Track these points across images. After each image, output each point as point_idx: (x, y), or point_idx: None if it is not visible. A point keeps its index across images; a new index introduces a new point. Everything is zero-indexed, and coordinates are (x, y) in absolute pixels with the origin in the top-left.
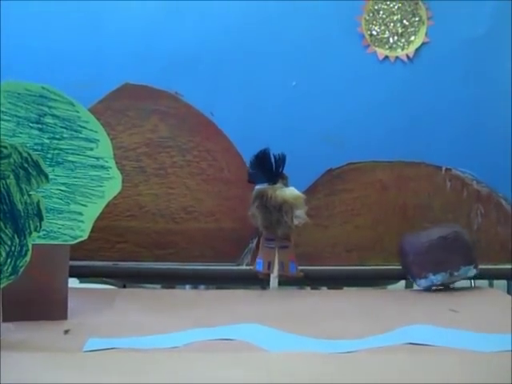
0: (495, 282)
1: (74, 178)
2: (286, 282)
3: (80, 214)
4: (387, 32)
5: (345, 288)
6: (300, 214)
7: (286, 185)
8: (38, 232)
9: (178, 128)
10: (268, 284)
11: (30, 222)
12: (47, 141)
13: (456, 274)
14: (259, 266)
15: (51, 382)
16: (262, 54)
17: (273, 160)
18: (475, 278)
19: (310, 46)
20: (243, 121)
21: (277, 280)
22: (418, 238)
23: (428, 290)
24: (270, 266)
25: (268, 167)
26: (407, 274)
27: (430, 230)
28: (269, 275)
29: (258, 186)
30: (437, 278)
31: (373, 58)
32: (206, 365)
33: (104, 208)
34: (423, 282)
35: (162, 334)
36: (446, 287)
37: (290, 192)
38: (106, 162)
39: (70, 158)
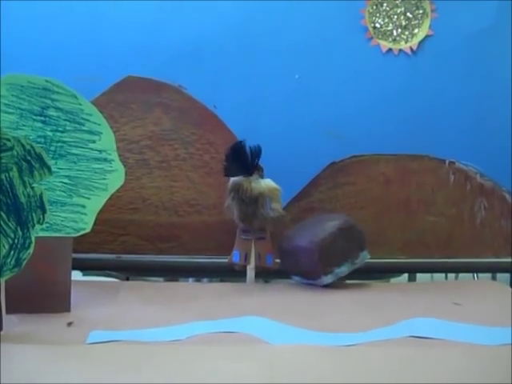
0: (498, 275)
1: (77, 170)
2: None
3: (83, 206)
4: (391, 25)
5: (347, 281)
6: (276, 206)
7: (262, 176)
8: (41, 224)
9: (180, 121)
10: (244, 275)
11: (33, 214)
12: (50, 133)
13: (356, 261)
14: (236, 258)
15: (54, 374)
16: (264, 47)
17: (248, 152)
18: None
19: (313, 39)
20: (246, 114)
21: (253, 271)
22: (316, 234)
23: (329, 285)
24: (246, 257)
25: (243, 159)
26: (304, 274)
27: (321, 225)
28: (245, 267)
29: (233, 179)
30: (341, 270)
31: (376, 51)
32: (208, 357)
33: (107, 201)
34: (328, 278)
35: (165, 327)
36: (341, 279)
37: (266, 184)
38: (109, 154)
39: (73, 151)
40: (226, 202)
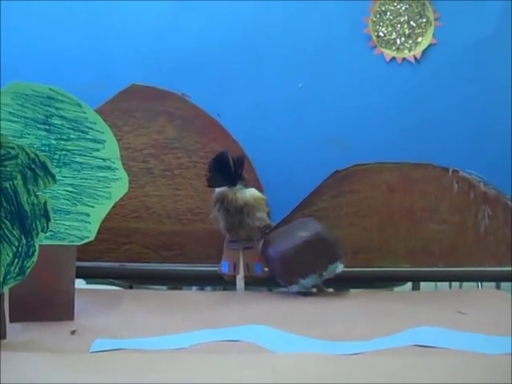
0: (502, 283)
1: (81, 178)
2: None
3: (87, 214)
4: (394, 33)
5: (351, 290)
6: (261, 215)
7: (246, 186)
8: (45, 233)
9: (184, 129)
10: (234, 285)
11: (37, 222)
12: (54, 142)
13: (325, 273)
14: (224, 268)
15: (58, 382)
16: (268, 56)
17: (231, 162)
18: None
19: (316, 48)
20: (250, 122)
21: (243, 281)
22: (283, 244)
23: (303, 294)
24: (235, 267)
25: (227, 170)
26: (277, 280)
27: (291, 234)
28: (235, 277)
29: (218, 189)
30: (307, 282)
31: (380, 60)
32: (211, 366)
33: (111, 209)
34: (294, 288)
35: (169, 335)
36: (319, 289)
37: (251, 194)
38: (113, 162)
39: (77, 159)
40: (211, 213)
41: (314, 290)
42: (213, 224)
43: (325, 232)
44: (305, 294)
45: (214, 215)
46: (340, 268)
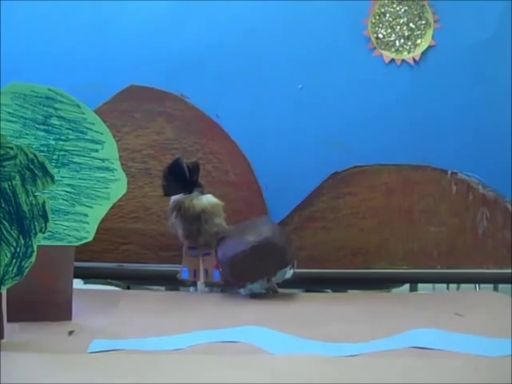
0: (500, 285)
1: (80, 179)
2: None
3: (85, 215)
4: (393, 35)
5: (349, 291)
6: (219, 221)
7: (203, 193)
8: (44, 233)
9: (183, 130)
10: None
11: (36, 223)
12: (53, 142)
13: (273, 278)
14: (185, 275)
15: (55, 382)
16: (267, 57)
17: (186, 169)
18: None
19: (315, 49)
20: (249, 123)
21: (203, 286)
22: (232, 247)
23: (253, 296)
24: (195, 273)
25: (182, 177)
26: (227, 281)
27: (241, 237)
28: (196, 282)
29: (174, 197)
30: (255, 286)
31: (379, 61)
32: (209, 367)
33: (109, 209)
34: (243, 291)
35: (166, 336)
36: (273, 290)
37: (208, 200)
38: (112, 163)
39: (75, 160)
40: (169, 221)
41: (263, 291)
42: (170, 231)
43: (275, 236)
44: (253, 296)
45: (172, 223)
46: (289, 274)
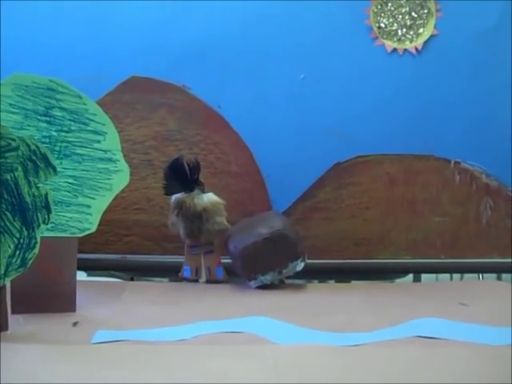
0: (503, 275)
1: (82, 170)
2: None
3: (88, 206)
4: (395, 24)
5: (353, 281)
6: (220, 219)
7: (204, 191)
8: (46, 224)
9: (185, 121)
10: None
11: (39, 214)
12: (55, 133)
13: (284, 271)
14: (187, 273)
15: (59, 373)
16: (269, 47)
17: (187, 168)
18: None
19: (317, 39)
20: (251, 114)
21: (205, 284)
22: (244, 240)
23: (261, 287)
24: (197, 272)
25: (183, 176)
26: (238, 274)
27: (253, 230)
28: (197, 281)
29: (175, 196)
30: (266, 278)
31: (381, 51)
32: (213, 357)
33: (112, 201)
34: (254, 283)
35: (170, 327)
36: (281, 282)
37: (209, 199)
38: (114, 154)
39: (77, 151)
40: (169, 220)
41: (275, 282)
42: (172, 230)
43: (287, 229)
44: (263, 287)
45: (173, 221)
46: (300, 266)
